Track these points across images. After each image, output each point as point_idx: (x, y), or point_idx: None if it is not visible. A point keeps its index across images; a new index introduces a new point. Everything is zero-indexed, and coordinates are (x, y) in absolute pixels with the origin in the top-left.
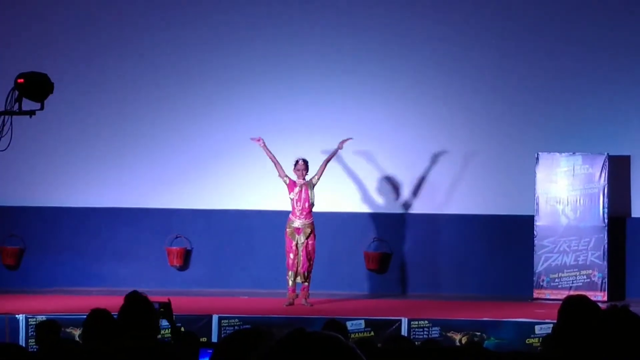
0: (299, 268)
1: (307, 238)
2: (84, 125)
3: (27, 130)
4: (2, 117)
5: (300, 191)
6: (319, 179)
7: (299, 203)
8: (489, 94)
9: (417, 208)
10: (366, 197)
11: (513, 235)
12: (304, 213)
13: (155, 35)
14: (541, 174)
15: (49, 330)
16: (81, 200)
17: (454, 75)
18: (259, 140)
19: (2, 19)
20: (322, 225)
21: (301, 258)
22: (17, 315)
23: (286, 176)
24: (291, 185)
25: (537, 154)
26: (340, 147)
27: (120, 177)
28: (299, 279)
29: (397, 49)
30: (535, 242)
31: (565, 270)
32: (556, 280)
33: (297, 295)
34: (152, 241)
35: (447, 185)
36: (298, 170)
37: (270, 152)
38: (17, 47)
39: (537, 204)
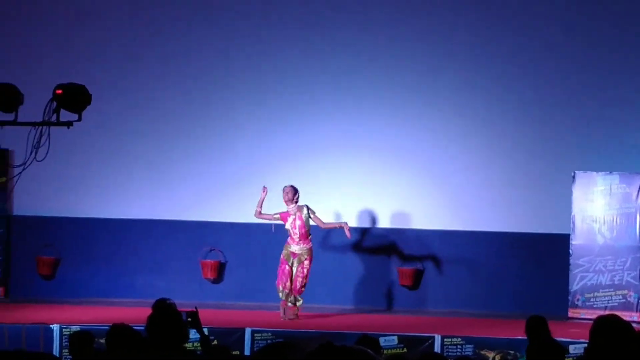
0: (291, 289)
1: (301, 263)
2: (120, 137)
3: (65, 142)
4: (40, 127)
5: (295, 219)
6: (309, 216)
7: (295, 230)
8: (526, 112)
9: (453, 225)
10: (401, 213)
11: (549, 253)
12: (302, 239)
13: (194, 49)
14: (578, 192)
15: (82, 341)
16: (117, 211)
17: (491, 93)
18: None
19: (42, 30)
20: (356, 240)
21: (294, 280)
22: (51, 325)
23: (275, 214)
24: (284, 216)
25: (574, 173)
26: (347, 235)
27: (156, 189)
28: (290, 301)
29: (430, 68)
30: (571, 261)
31: (600, 290)
32: (591, 299)
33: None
34: (186, 254)
35: (483, 202)
36: (287, 194)
37: (260, 205)
38: (55, 59)
39: (574, 222)
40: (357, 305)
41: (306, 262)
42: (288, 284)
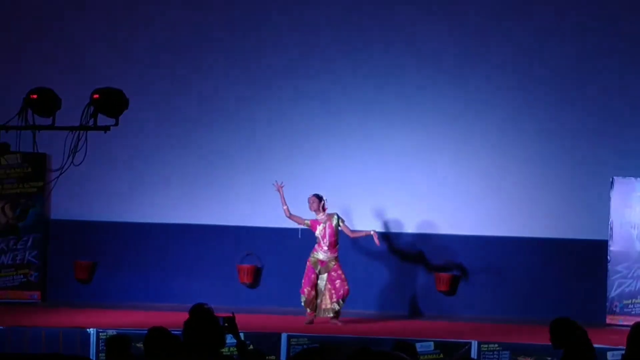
0: (325, 300)
1: (329, 272)
2: (157, 141)
3: (102, 146)
4: (78, 132)
5: (325, 227)
6: (339, 225)
7: (324, 239)
8: (564, 117)
9: (490, 230)
10: (438, 218)
11: (587, 260)
12: (330, 247)
13: (232, 53)
14: (616, 198)
15: (119, 345)
16: (154, 216)
17: (528, 98)
18: (279, 187)
19: (79, 35)
20: (393, 246)
21: (328, 291)
22: (88, 329)
23: (307, 220)
24: (314, 224)
25: (612, 179)
26: (376, 242)
27: (193, 193)
28: (325, 313)
29: (457, 72)
30: (609, 267)
31: (639, 297)
32: (629, 306)
33: (315, 316)
34: (223, 258)
35: (521, 208)
36: (311, 204)
37: (285, 205)
38: (93, 63)
39: (612, 228)
40: (394, 310)
41: (337, 268)
42: (313, 292)
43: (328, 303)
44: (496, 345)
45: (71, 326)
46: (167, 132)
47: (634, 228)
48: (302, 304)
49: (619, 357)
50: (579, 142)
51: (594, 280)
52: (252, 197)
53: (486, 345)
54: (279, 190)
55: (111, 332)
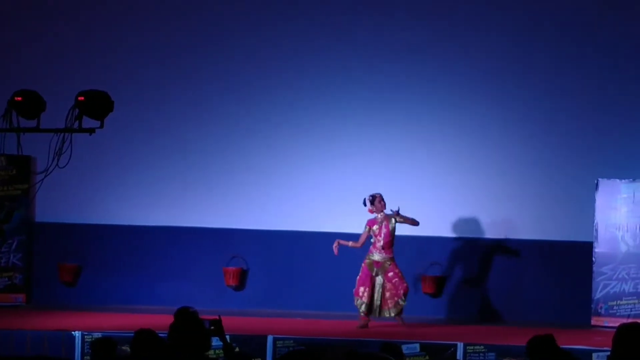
0: (385, 300)
1: (386, 272)
2: (143, 143)
3: (87, 148)
4: (63, 134)
5: (381, 227)
6: (400, 221)
7: (379, 238)
8: (549, 119)
9: (474, 232)
10: (424, 221)
11: (571, 261)
12: (386, 247)
13: (215, 55)
14: (601, 200)
15: (104, 347)
16: (139, 218)
17: (512, 101)
18: (337, 247)
19: (64, 37)
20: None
21: (389, 291)
22: (73, 332)
23: (366, 227)
24: (371, 223)
25: (597, 180)
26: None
27: (178, 196)
28: (388, 313)
29: (452, 80)
30: (594, 268)
31: (623, 298)
32: (614, 307)
33: (369, 320)
34: (209, 261)
35: (505, 210)
36: (379, 203)
37: (349, 243)
38: (79, 65)
39: (596, 230)
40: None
41: (393, 267)
42: (367, 294)
43: (390, 303)
44: (482, 347)
45: (56, 329)
46: (152, 135)
47: (619, 230)
48: (357, 306)
49: (604, 359)
50: (563, 144)
51: (579, 282)
52: (238, 199)
53: (472, 347)
54: (337, 247)
55: (96, 334)
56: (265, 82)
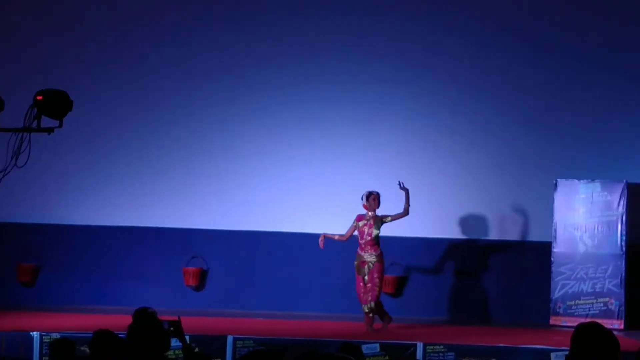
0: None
1: (369, 272)
2: (102, 143)
3: (46, 148)
4: (21, 134)
5: (366, 225)
6: (391, 221)
7: (362, 237)
8: (508, 119)
9: (434, 232)
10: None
11: (530, 261)
12: (367, 246)
13: (173, 55)
14: (559, 200)
15: (62, 348)
16: (98, 218)
17: (473, 101)
18: (323, 241)
19: (23, 36)
20: (339, 248)
21: (367, 289)
22: (31, 333)
23: (354, 222)
24: (359, 218)
25: (556, 181)
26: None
27: (138, 196)
28: (365, 309)
29: (410, 80)
30: (553, 268)
31: (582, 298)
32: (573, 307)
33: (373, 321)
34: (168, 261)
35: (465, 210)
36: (374, 200)
37: (335, 236)
38: (37, 64)
39: (555, 230)
40: (339, 312)
41: (375, 269)
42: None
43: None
44: (441, 347)
45: (14, 329)
46: (112, 135)
47: (577, 230)
48: (366, 310)
49: (563, 358)
50: (522, 145)
51: (538, 282)
52: (198, 199)
53: (431, 347)
54: (323, 241)
55: (55, 335)
56: (225, 83)
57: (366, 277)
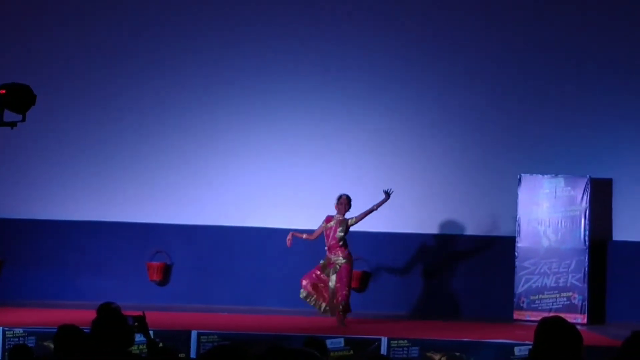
0: (331, 299)
1: (337, 273)
2: (65, 137)
3: (9, 142)
4: None
5: (332, 227)
6: (356, 222)
7: (328, 239)
8: (473, 114)
9: (398, 227)
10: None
11: (494, 256)
12: (334, 249)
13: (139, 48)
14: (523, 195)
15: (21, 355)
16: (61, 213)
17: (437, 97)
18: (291, 239)
19: None
20: (303, 243)
21: (336, 290)
22: None
23: (323, 222)
24: (328, 219)
25: (520, 176)
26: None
27: (101, 190)
28: (329, 311)
29: (384, 71)
30: (516, 263)
31: (545, 292)
32: (536, 302)
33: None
34: (132, 256)
35: (429, 205)
36: (341, 204)
37: (303, 235)
38: (1, 58)
39: (519, 225)
40: (304, 307)
41: (342, 270)
42: (309, 286)
43: (333, 302)
44: (405, 342)
45: None
46: (75, 129)
47: (541, 224)
48: (301, 295)
49: (526, 352)
50: (486, 140)
51: (502, 276)
52: (162, 194)
53: (396, 342)
54: (291, 240)
55: (18, 330)
56: (189, 78)
57: (332, 277)
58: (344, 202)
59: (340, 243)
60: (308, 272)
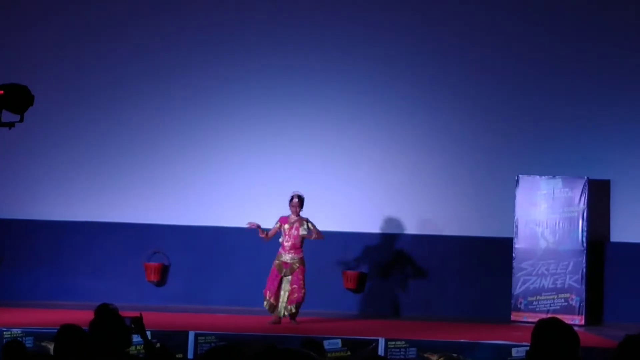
0: (284, 300)
1: (292, 273)
2: (63, 138)
3: (7, 143)
4: None
5: (291, 227)
6: (312, 229)
7: (288, 239)
8: (470, 115)
9: (396, 228)
10: (345, 217)
11: (492, 257)
12: (294, 249)
13: (137, 48)
14: (521, 196)
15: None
16: (59, 213)
17: (435, 97)
18: (255, 227)
19: None
20: (305, 245)
21: (288, 292)
22: None
23: (277, 223)
24: (282, 221)
25: (518, 177)
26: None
27: (99, 191)
28: (284, 312)
29: (383, 72)
30: (514, 264)
31: (543, 294)
32: (534, 303)
33: (280, 317)
34: (129, 256)
35: (427, 206)
36: (293, 206)
37: (261, 233)
38: None
39: (517, 226)
40: (302, 308)
41: (299, 272)
42: (273, 296)
43: (286, 304)
44: (403, 342)
45: None
46: (72, 130)
47: (539, 226)
48: (265, 306)
49: (523, 354)
50: (484, 141)
51: (499, 278)
52: (160, 194)
53: (393, 343)
54: (254, 227)
55: (15, 330)
56: (188, 79)
57: (288, 277)
58: (297, 204)
59: (300, 243)
60: (268, 281)
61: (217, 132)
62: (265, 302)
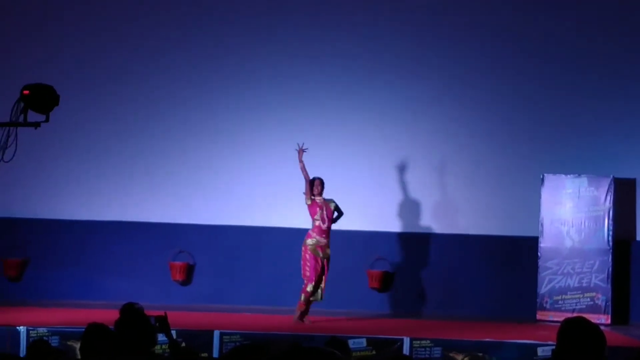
0: (322, 286)
1: (326, 258)
2: (89, 137)
3: (32, 142)
4: (7, 128)
5: (323, 209)
6: (335, 208)
7: (324, 224)
8: (496, 115)
9: (422, 227)
10: (370, 215)
11: (517, 256)
12: (326, 232)
13: (163, 49)
14: (546, 195)
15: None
16: (85, 213)
17: (460, 96)
18: (301, 151)
19: (9, 30)
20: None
21: (324, 277)
22: (18, 327)
23: (311, 197)
24: (314, 206)
25: (543, 176)
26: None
27: (125, 190)
28: (321, 295)
29: (404, 72)
30: (540, 263)
31: (568, 293)
32: (559, 302)
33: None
34: (155, 255)
35: (452, 205)
36: (317, 187)
37: (304, 165)
38: (23, 59)
39: (542, 225)
40: (326, 307)
41: (328, 262)
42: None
43: (321, 288)
44: (428, 342)
45: (1, 324)
46: (98, 129)
47: (564, 225)
48: (307, 292)
49: (549, 353)
50: (509, 139)
51: (525, 277)
52: (185, 194)
53: (418, 342)
54: (300, 152)
55: (42, 330)
56: (207, 77)
57: (323, 263)
58: (319, 184)
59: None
60: (310, 271)
61: (245, 132)
62: (309, 287)
